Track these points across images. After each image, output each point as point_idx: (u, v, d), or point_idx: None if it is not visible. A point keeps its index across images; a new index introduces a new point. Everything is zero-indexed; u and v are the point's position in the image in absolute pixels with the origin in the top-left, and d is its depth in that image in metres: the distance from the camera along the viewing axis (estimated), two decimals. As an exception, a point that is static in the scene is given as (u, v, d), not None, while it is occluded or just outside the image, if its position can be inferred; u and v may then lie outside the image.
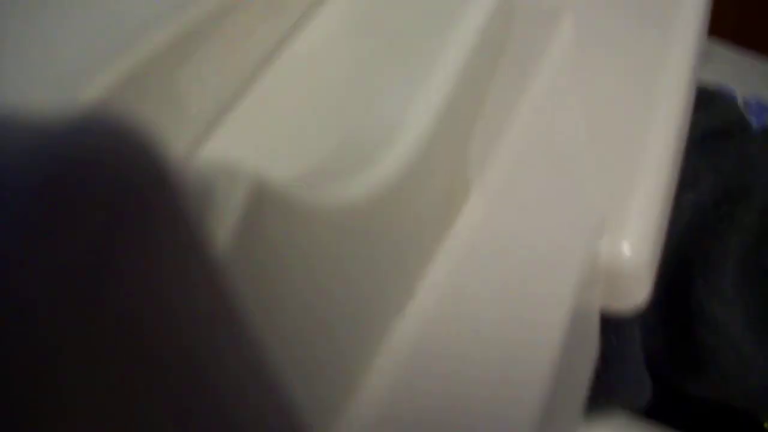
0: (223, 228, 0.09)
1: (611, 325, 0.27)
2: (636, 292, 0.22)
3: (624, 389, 0.29)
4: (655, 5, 0.26)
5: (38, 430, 0.07)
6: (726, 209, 0.28)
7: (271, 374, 0.10)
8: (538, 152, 0.20)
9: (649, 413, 0.35)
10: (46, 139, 0.07)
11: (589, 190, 0.21)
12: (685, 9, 0.25)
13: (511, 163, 0.19)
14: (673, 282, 0.28)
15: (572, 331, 0.19)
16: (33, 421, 0.06)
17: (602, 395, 0.28)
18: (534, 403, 0.16)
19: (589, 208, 0.21)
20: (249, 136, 0.15)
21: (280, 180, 0.12)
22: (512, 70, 0.20)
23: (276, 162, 0.14)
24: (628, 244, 0.21)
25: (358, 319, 0.13)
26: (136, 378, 0.07)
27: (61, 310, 0.06)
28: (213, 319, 0.08)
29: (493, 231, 0.17)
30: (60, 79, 0.12)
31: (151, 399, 0.07)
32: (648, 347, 0.29)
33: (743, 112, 0.33)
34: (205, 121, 0.15)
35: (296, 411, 0.10)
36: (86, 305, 0.07)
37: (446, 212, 0.16)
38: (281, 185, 0.11)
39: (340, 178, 0.13)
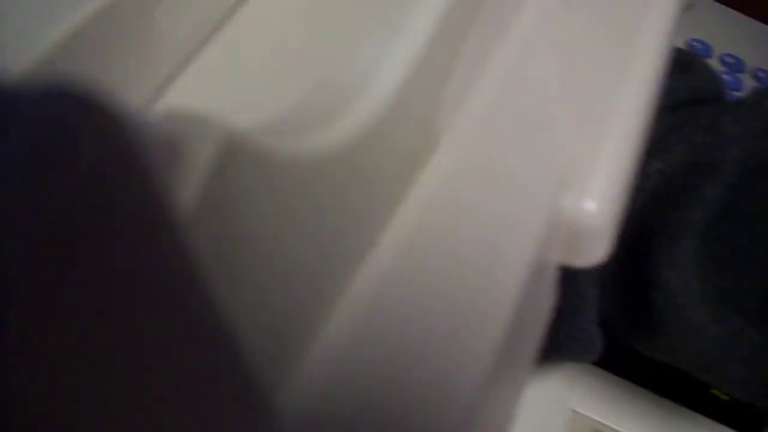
0: (193, 182, 0.09)
1: (568, 280, 0.27)
2: (595, 249, 0.22)
3: (575, 345, 0.29)
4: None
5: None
6: (693, 181, 0.28)
7: (238, 331, 0.10)
8: (508, 106, 0.20)
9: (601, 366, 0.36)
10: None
11: (557, 146, 0.21)
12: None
13: (482, 115, 0.19)
14: (634, 247, 0.28)
15: (530, 282, 0.19)
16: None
17: (553, 349, 0.29)
18: (487, 353, 0.17)
19: (556, 164, 0.21)
20: (221, 78, 0.15)
21: (253, 129, 0.12)
22: (489, 24, 0.20)
23: (248, 107, 0.14)
24: (591, 201, 0.21)
25: (324, 267, 0.13)
26: (104, 335, 0.07)
27: (27, 276, 0.06)
28: (180, 278, 0.08)
29: (458, 181, 0.17)
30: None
31: (117, 356, 0.07)
32: (604, 308, 0.29)
33: (718, 79, 0.33)
34: (178, 59, 0.15)
35: (260, 358, 0.11)
36: (51, 269, 0.06)
37: (414, 161, 0.16)
38: (254, 136, 0.11)
39: (315, 125, 0.13)
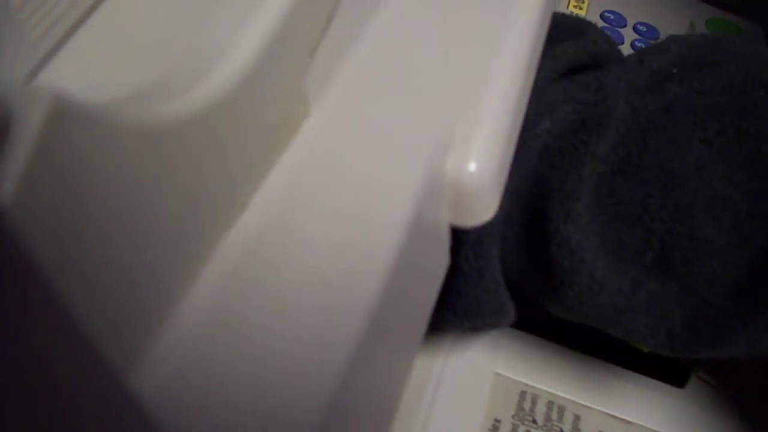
0: (20, 150, 0.10)
1: (468, 242, 0.28)
2: (481, 208, 0.23)
3: (485, 309, 0.30)
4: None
5: None
6: (582, 138, 0.28)
7: (79, 309, 0.10)
8: (383, 74, 0.21)
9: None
10: None
11: (436, 111, 0.22)
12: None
13: (355, 84, 0.20)
14: (532, 206, 0.29)
15: (410, 244, 0.19)
16: None
17: (465, 314, 0.30)
18: (359, 320, 0.17)
19: (435, 128, 0.21)
20: (86, 62, 0.16)
21: (98, 100, 0.12)
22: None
23: (106, 85, 0.15)
24: (473, 161, 0.22)
25: (181, 233, 0.14)
26: None
27: None
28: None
29: (329, 148, 0.18)
30: None
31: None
32: (508, 268, 0.30)
33: (612, 43, 0.34)
34: (44, 49, 0.16)
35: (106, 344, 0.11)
36: None
37: (280, 131, 0.17)
38: (89, 103, 0.11)
39: (166, 95, 0.14)
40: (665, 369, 0.36)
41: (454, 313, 0.29)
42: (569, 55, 0.30)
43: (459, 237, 0.27)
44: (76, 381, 0.10)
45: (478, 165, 0.22)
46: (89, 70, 0.16)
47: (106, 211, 0.12)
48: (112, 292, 0.12)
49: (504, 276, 0.30)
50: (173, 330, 0.14)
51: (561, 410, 0.34)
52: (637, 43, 0.48)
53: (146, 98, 0.14)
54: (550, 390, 0.35)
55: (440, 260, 0.24)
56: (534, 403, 0.34)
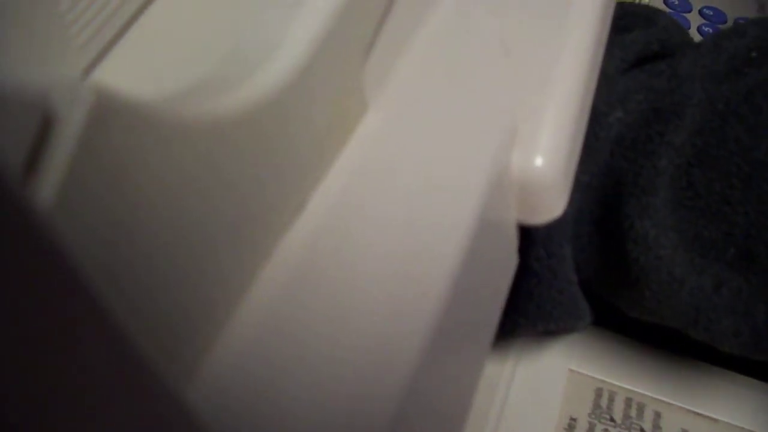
0: (62, 148, 0.09)
1: (539, 241, 0.27)
2: (550, 204, 0.22)
3: (559, 310, 0.29)
4: None
5: None
6: (656, 128, 0.27)
7: (129, 322, 0.09)
8: (444, 69, 0.20)
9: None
10: None
11: (498, 106, 0.21)
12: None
13: (414, 81, 0.19)
14: (606, 201, 0.28)
15: (478, 246, 0.19)
16: None
17: (539, 316, 0.29)
18: (427, 323, 0.16)
19: (498, 123, 0.21)
20: (136, 63, 0.15)
21: (146, 98, 0.12)
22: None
23: (156, 83, 0.14)
24: (539, 155, 0.21)
25: (237, 234, 0.13)
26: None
27: None
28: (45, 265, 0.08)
29: (388, 146, 0.18)
30: None
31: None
32: (581, 268, 0.29)
33: (684, 30, 0.33)
34: (95, 49, 0.16)
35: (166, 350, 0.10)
36: None
37: (337, 129, 0.16)
38: (135, 100, 0.11)
39: (214, 93, 0.13)
40: (753, 362, 0.35)
41: (527, 316, 0.29)
42: (639, 43, 0.30)
43: (528, 236, 0.26)
44: (128, 394, 0.10)
45: (544, 159, 0.21)
46: (139, 71, 0.15)
47: (155, 212, 0.11)
48: (163, 299, 0.12)
49: (577, 276, 0.29)
50: (229, 338, 0.13)
51: (640, 407, 0.33)
52: (704, 27, 0.47)
53: (197, 95, 0.13)
54: (628, 386, 0.33)
55: (509, 260, 0.23)
56: (611, 400, 0.33)
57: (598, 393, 0.33)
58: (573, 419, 0.32)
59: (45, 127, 0.10)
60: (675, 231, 0.27)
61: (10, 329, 0.07)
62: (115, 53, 0.16)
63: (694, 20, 0.47)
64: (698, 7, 0.48)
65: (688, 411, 0.33)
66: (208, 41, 0.16)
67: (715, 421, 0.32)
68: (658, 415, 0.32)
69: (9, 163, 0.09)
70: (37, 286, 0.08)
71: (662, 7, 0.47)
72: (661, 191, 0.27)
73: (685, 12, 0.47)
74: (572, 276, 0.28)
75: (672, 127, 0.27)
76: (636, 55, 0.30)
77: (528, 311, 0.28)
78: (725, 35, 0.30)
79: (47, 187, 0.09)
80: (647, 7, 0.34)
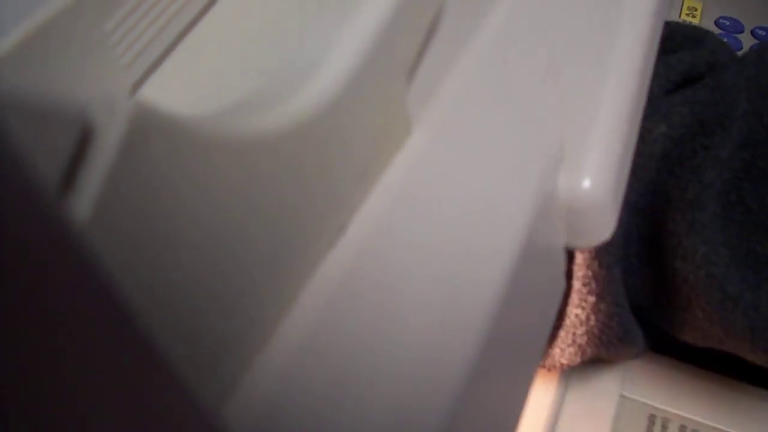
0: (99, 162, 0.09)
1: (587, 261, 0.27)
2: (598, 227, 0.22)
3: (609, 336, 0.28)
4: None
5: None
6: (701, 141, 0.27)
7: (164, 340, 0.09)
8: (490, 89, 0.20)
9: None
10: None
11: (545, 127, 0.21)
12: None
13: (459, 102, 0.19)
14: (651, 218, 0.27)
15: (524, 270, 0.19)
16: None
17: (589, 342, 0.28)
18: (471, 347, 0.16)
19: (545, 145, 0.21)
20: (178, 83, 0.15)
21: (187, 114, 0.12)
22: (464, 5, 0.20)
23: (199, 101, 0.14)
24: (587, 177, 0.21)
25: (278, 255, 0.13)
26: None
27: None
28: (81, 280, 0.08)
29: (433, 168, 0.17)
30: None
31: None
32: (632, 290, 0.28)
33: (732, 50, 0.32)
34: (141, 68, 0.16)
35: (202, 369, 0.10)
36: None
37: (381, 149, 0.16)
38: (174, 115, 0.11)
39: (256, 111, 0.13)
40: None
41: (575, 342, 0.28)
42: (684, 64, 0.29)
43: (576, 258, 0.26)
44: (162, 418, 0.09)
45: (592, 181, 0.21)
46: (184, 89, 0.15)
47: (194, 228, 0.11)
48: (200, 318, 0.11)
49: (629, 301, 0.28)
50: (268, 360, 0.13)
51: (695, 435, 0.32)
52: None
53: (240, 112, 0.13)
54: (682, 413, 0.33)
55: (556, 284, 0.23)
56: (665, 427, 0.32)
57: (651, 420, 0.32)
58: (625, 446, 0.31)
59: (84, 140, 0.10)
60: (726, 247, 0.26)
61: (46, 340, 0.07)
62: (161, 72, 0.16)
63: (747, 41, 0.47)
64: (750, 27, 0.47)
65: (744, 438, 0.32)
66: (253, 60, 0.16)
67: (772, 449, 0.32)
68: (713, 442, 0.32)
69: (47, 176, 0.09)
70: (71, 300, 0.08)
71: (713, 27, 0.47)
72: (709, 206, 0.26)
73: (736, 33, 0.47)
74: (623, 300, 0.28)
75: (717, 140, 0.27)
76: (681, 75, 0.29)
77: (580, 339, 0.28)
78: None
79: (85, 199, 0.09)
80: (695, 27, 0.33)
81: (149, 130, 0.10)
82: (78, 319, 0.08)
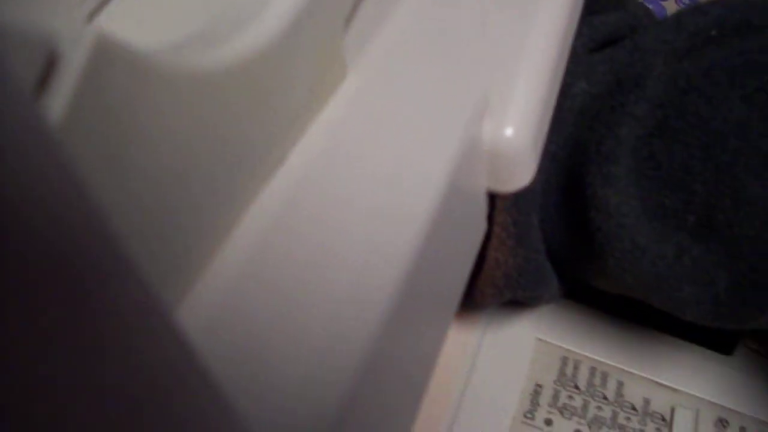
0: (67, 84, 0.10)
1: (506, 208, 0.28)
2: (519, 173, 0.23)
3: (525, 279, 0.29)
4: None
5: None
6: (619, 99, 0.28)
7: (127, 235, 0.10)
8: (421, 39, 0.21)
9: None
10: None
11: (472, 77, 0.22)
12: None
13: (392, 49, 0.20)
14: (569, 169, 0.29)
15: (448, 210, 0.20)
16: None
17: (506, 284, 0.30)
18: (393, 282, 0.17)
19: (471, 93, 0.22)
20: (134, 15, 0.16)
21: (142, 47, 0.13)
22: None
23: (149, 36, 0.15)
24: (510, 126, 0.22)
25: (222, 179, 0.14)
26: None
27: None
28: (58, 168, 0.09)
29: (365, 109, 0.18)
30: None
31: None
32: (548, 237, 0.30)
33: (653, 15, 0.34)
34: (93, 4, 0.17)
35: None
36: None
37: (318, 89, 0.17)
38: (132, 46, 0.12)
39: (203, 47, 0.14)
40: (712, 336, 0.36)
41: (493, 284, 0.30)
42: (608, 25, 0.30)
43: (497, 203, 0.27)
44: (122, 313, 0.10)
45: (514, 129, 0.22)
46: (134, 24, 0.16)
47: (149, 149, 0.12)
48: (153, 228, 0.13)
49: (546, 248, 0.30)
50: (213, 273, 0.14)
51: (604, 376, 0.34)
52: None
53: (188, 48, 0.14)
54: (592, 356, 0.35)
55: (478, 226, 0.24)
56: (576, 368, 0.34)
57: (564, 361, 0.34)
58: (539, 386, 0.33)
59: (50, 65, 0.11)
60: (637, 200, 0.28)
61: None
62: (110, 8, 0.16)
63: (671, 9, 0.48)
64: (676, -6, 0.49)
65: (651, 381, 0.34)
66: (200, 1, 0.17)
67: (676, 390, 0.34)
68: (621, 384, 0.34)
69: (22, 80, 0.10)
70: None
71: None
72: (623, 160, 0.27)
73: (662, 0, 0.48)
74: (539, 245, 0.29)
75: (633, 98, 0.28)
76: (604, 36, 0.31)
77: (495, 279, 0.29)
78: (688, 12, 0.31)
79: (53, 115, 0.10)
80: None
81: (110, 57, 0.11)
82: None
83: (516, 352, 0.34)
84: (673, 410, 0.33)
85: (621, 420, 0.33)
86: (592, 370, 0.34)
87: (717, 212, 0.27)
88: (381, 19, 0.21)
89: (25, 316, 0.08)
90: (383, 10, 0.21)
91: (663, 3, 0.48)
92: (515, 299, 0.32)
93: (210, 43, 0.14)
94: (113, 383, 0.10)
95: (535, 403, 0.33)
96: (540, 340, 0.34)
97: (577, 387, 0.33)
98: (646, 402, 0.33)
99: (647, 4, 0.34)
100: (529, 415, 0.33)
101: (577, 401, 0.33)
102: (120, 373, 0.10)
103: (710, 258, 0.28)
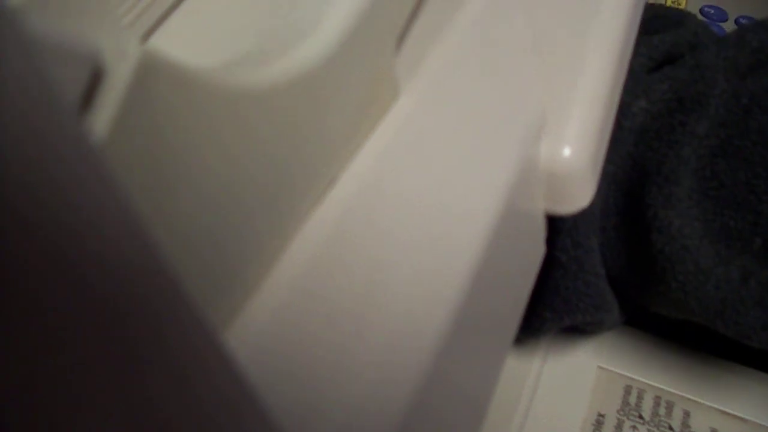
0: (111, 99, 0.10)
1: (565, 231, 0.28)
2: (577, 194, 0.23)
3: (585, 302, 0.29)
4: None
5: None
6: (679, 118, 0.28)
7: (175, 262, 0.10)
8: (476, 58, 0.21)
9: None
10: None
11: (528, 97, 0.22)
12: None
13: (445, 70, 0.20)
14: (629, 190, 0.28)
15: (505, 233, 0.19)
16: None
17: (565, 309, 0.29)
18: (448, 309, 0.17)
19: (527, 113, 0.21)
20: (185, 37, 0.16)
21: (189, 65, 0.13)
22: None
23: (203, 55, 0.15)
24: (567, 146, 0.22)
25: (273, 199, 0.14)
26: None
27: None
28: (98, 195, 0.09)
29: (418, 131, 0.18)
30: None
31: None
32: (608, 261, 0.29)
33: (711, 32, 0.33)
34: (145, 25, 0.16)
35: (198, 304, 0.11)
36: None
37: (369, 111, 0.17)
38: (179, 64, 0.12)
39: (253, 66, 0.14)
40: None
41: (553, 309, 0.29)
42: (667, 43, 0.30)
43: (556, 226, 0.26)
44: (168, 335, 0.10)
45: (572, 149, 0.22)
46: (184, 45, 0.16)
47: (197, 168, 0.12)
48: (197, 248, 0.12)
49: (605, 271, 0.29)
50: (262, 296, 0.14)
51: (669, 406, 0.33)
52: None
53: (237, 66, 0.14)
54: (657, 384, 0.33)
55: (536, 250, 0.24)
56: (640, 397, 0.33)
57: (627, 390, 0.33)
58: (601, 415, 0.32)
59: (95, 81, 0.10)
60: (700, 221, 0.27)
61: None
62: (164, 29, 0.16)
63: (730, 30, 0.47)
64: (734, 16, 0.48)
65: (718, 410, 0.33)
66: (252, 18, 0.17)
67: (744, 420, 0.32)
68: (687, 413, 0.33)
69: (68, 96, 0.09)
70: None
71: (697, 16, 0.47)
72: (684, 181, 0.27)
73: (720, 21, 0.48)
74: (599, 268, 0.28)
75: (695, 117, 0.27)
76: (663, 55, 0.30)
77: (554, 304, 0.29)
78: (750, 29, 0.30)
79: (97, 131, 0.10)
80: (678, 10, 0.34)
81: (156, 74, 0.11)
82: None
83: (577, 381, 0.33)
84: (741, 440, 0.32)
85: (688, 450, 0.32)
86: (657, 399, 0.33)
87: None
88: (434, 38, 0.20)
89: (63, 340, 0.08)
90: (436, 29, 0.20)
91: (722, 25, 0.47)
92: (575, 325, 0.31)
93: (261, 61, 0.14)
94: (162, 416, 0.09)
95: (597, 433, 0.32)
96: (602, 368, 0.34)
97: (641, 417, 0.32)
98: (714, 432, 0.32)
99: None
100: (592, 446, 0.32)
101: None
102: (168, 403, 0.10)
103: None
